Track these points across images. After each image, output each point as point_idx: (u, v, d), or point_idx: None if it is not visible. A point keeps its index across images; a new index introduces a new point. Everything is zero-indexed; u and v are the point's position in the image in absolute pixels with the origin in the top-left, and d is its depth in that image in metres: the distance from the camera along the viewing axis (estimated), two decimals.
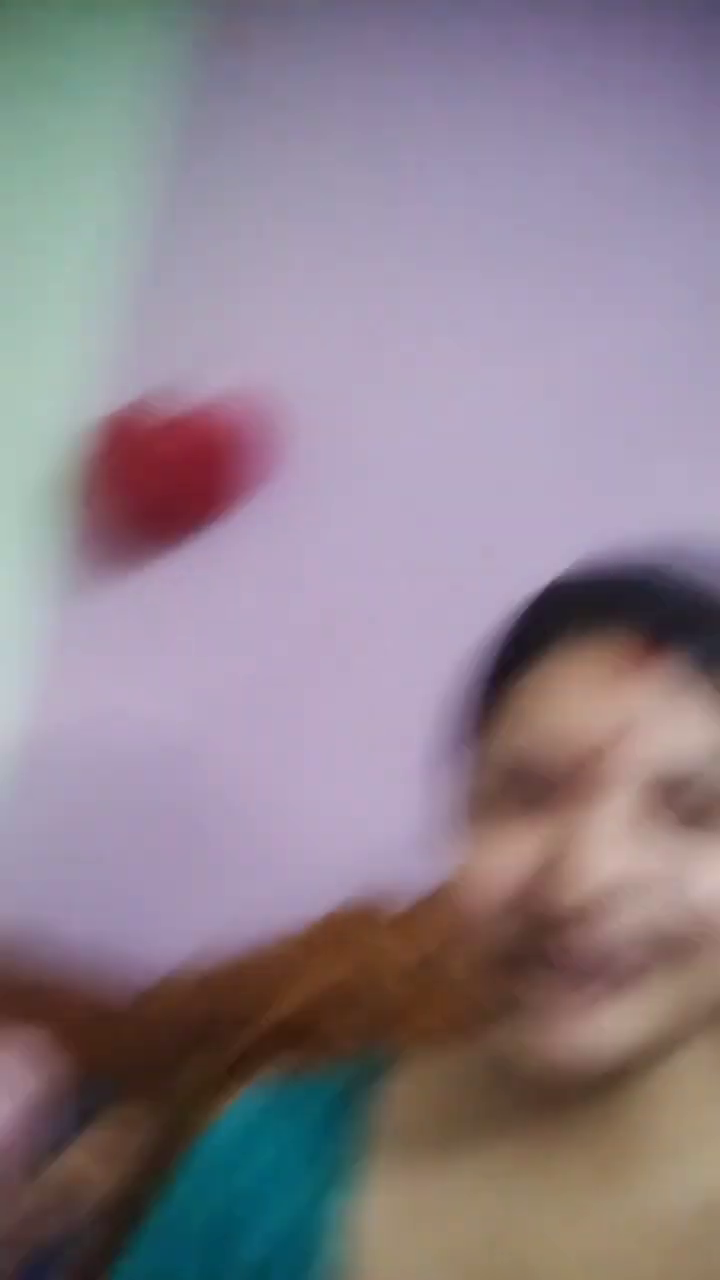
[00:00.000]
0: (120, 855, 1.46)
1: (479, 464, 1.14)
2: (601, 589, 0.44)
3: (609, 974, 0.37)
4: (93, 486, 1.34)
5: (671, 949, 0.37)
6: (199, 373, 1.21)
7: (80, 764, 1.59)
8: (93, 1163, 1.09)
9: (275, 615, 1.27)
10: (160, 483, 1.27)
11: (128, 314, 1.30)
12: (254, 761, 1.29)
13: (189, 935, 1.23)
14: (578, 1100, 0.42)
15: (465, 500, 1.13)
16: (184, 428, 1.21)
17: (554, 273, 1.14)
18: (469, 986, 0.43)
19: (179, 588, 1.38)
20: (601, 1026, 0.37)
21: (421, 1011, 0.99)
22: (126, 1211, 1.02)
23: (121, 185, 1.28)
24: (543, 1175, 0.43)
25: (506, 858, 0.40)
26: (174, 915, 1.32)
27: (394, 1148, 0.47)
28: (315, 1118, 0.50)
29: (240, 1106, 0.52)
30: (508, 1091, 0.44)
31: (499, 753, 0.42)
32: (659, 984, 0.37)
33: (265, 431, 1.19)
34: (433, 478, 1.16)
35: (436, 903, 0.96)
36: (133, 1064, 1.25)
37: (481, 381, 1.15)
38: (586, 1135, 0.43)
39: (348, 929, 1.12)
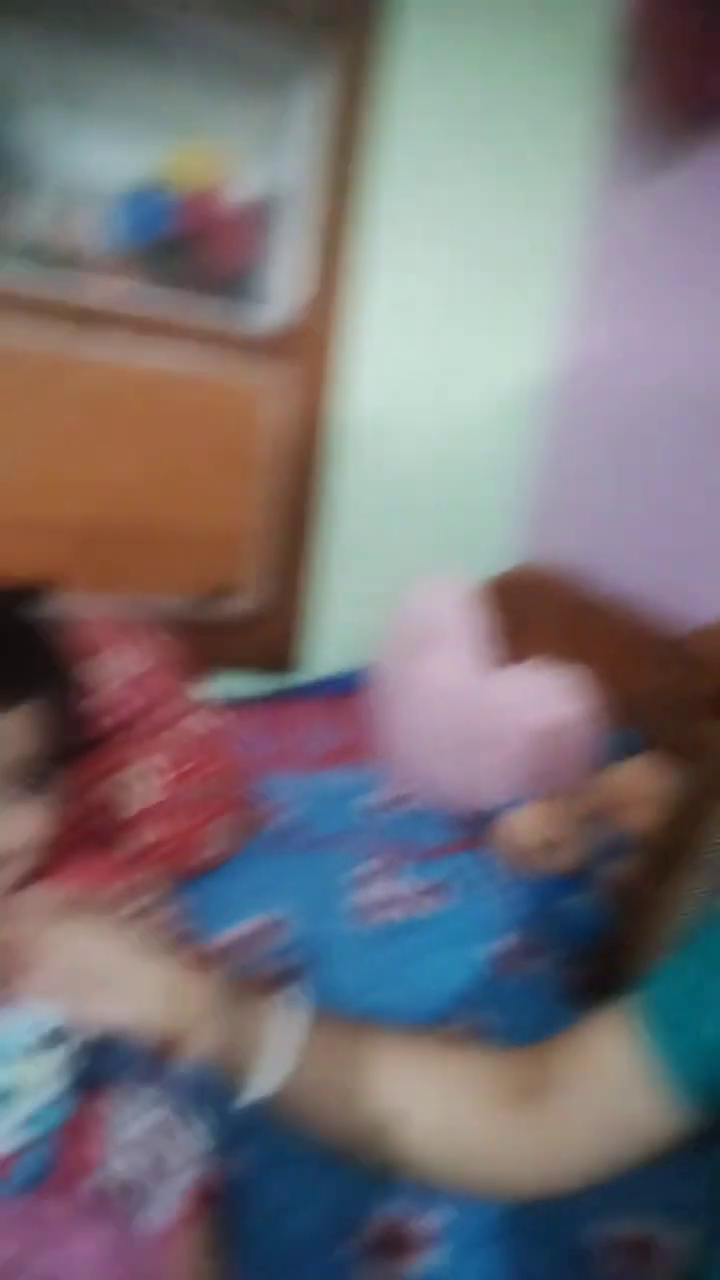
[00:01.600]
0: (651, 501, 1.54)
1: None
2: None
3: None
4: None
5: None
6: None
7: (607, 405, 1.66)
8: (626, 794, 1.17)
9: None
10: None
11: None
12: None
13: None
14: None
15: None
16: None
17: None
18: None
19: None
20: None
21: None
22: (656, 856, 1.11)
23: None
24: None
25: None
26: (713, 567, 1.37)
27: None
28: None
29: None
30: None
31: None
32: None
33: None
34: None
35: None
36: (666, 709, 1.33)
37: None
38: None
39: None
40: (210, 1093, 0.72)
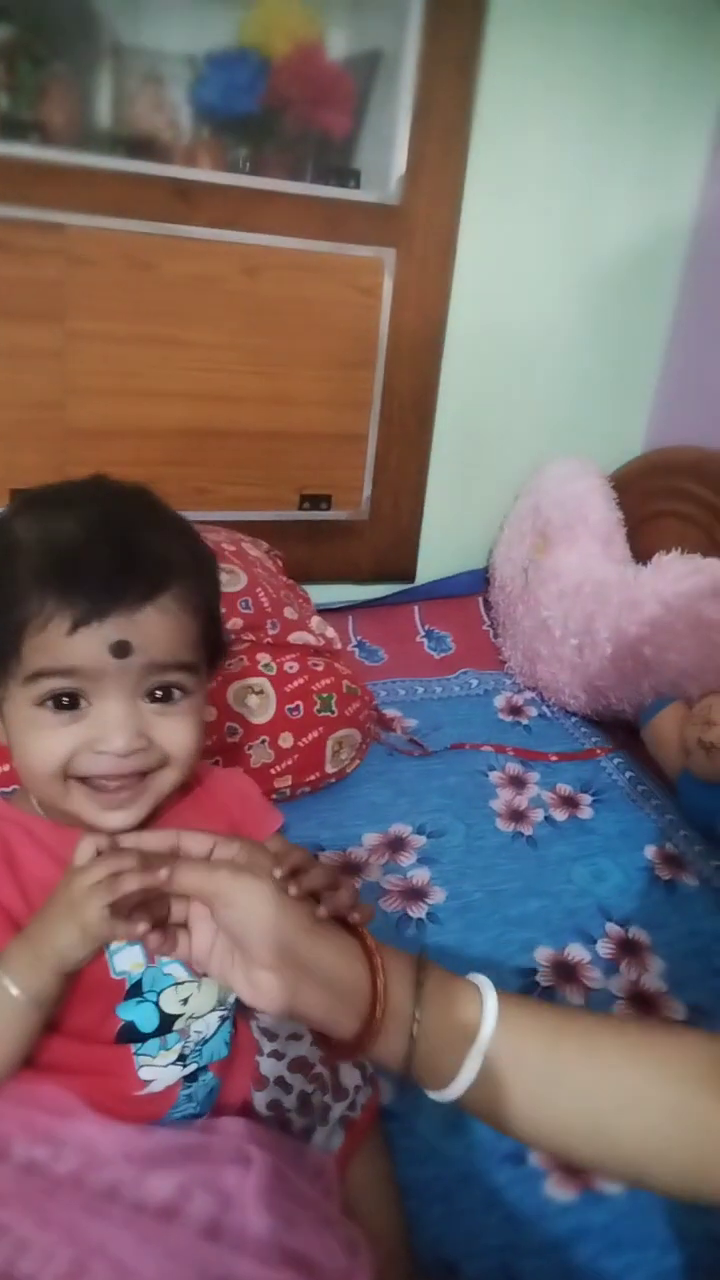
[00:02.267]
0: None
1: None
2: None
3: None
4: None
5: None
6: None
7: None
8: None
9: None
10: None
11: None
12: None
13: None
14: None
15: None
16: None
17: None
18: None
19: None
20: None
21: None
22: None
23: None
24: None
25: None
26: None
27: None
28: None
29: None
30: None
31: None
32: None
33: None
34: None
35: None
36: None
37: None
38: None
39: None
40: None
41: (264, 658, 1.22)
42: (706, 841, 1.21)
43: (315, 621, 1.32)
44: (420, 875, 1.12)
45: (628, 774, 1.36)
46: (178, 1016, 0.64)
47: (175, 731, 0.59)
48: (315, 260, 1.43)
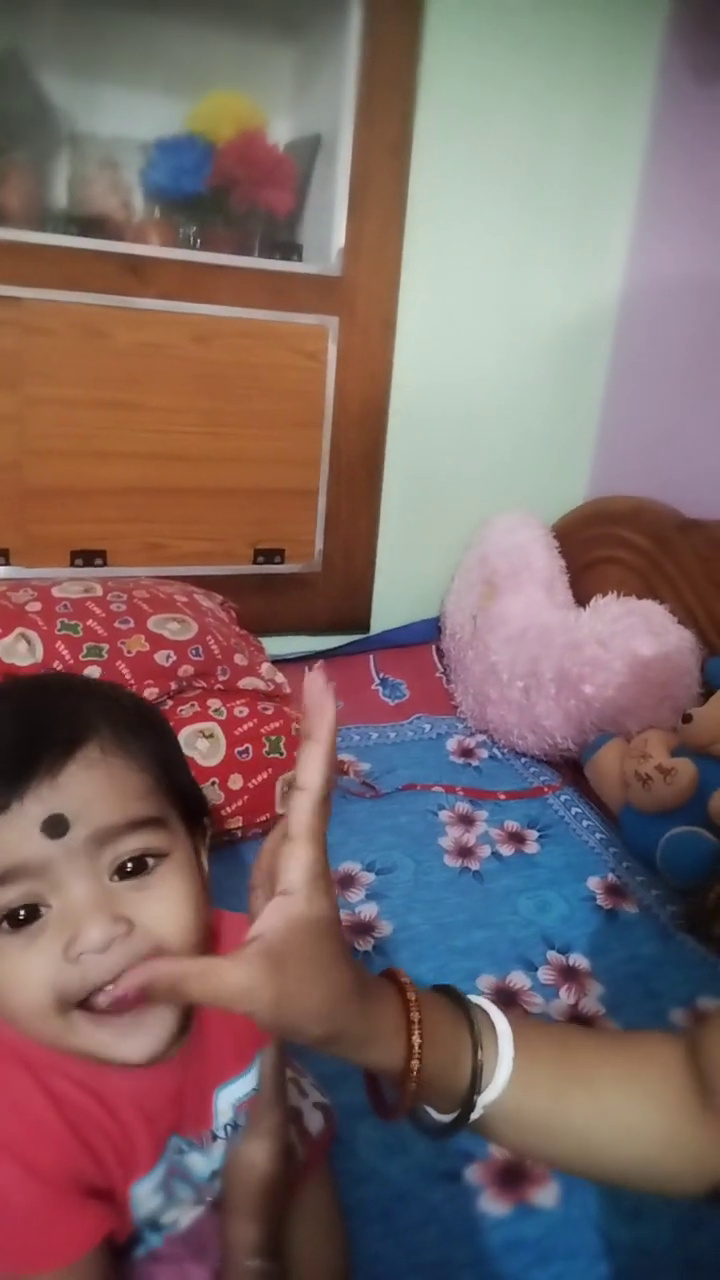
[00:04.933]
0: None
1: None
2: None
3: None
4: None
5: None
6: None
7: (670, 332, 1.61)
8: None
9: None
10: None
11: None
12: None
13: None
14: None
15: None
16: None
17: None
18: None
19: None
20: None
21: None
22: None
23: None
24: None
25: None
26: None
27: None
28: None
29: None
30: None
31: None
32: None
33: None
34: None
35: None
36: None
37: None
38: None
39: None
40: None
41: (214, 703, 1.26)
42: (648, 871, 1.24)
43: (266, 668, 1.37)
44: (368, 910, 1.14)
45: (574, 810, 1.40)
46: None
47: (161, 908, 0.49)
48: (262, 328, 1.51)
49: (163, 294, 1.44)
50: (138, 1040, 0.49)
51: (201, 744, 1.21)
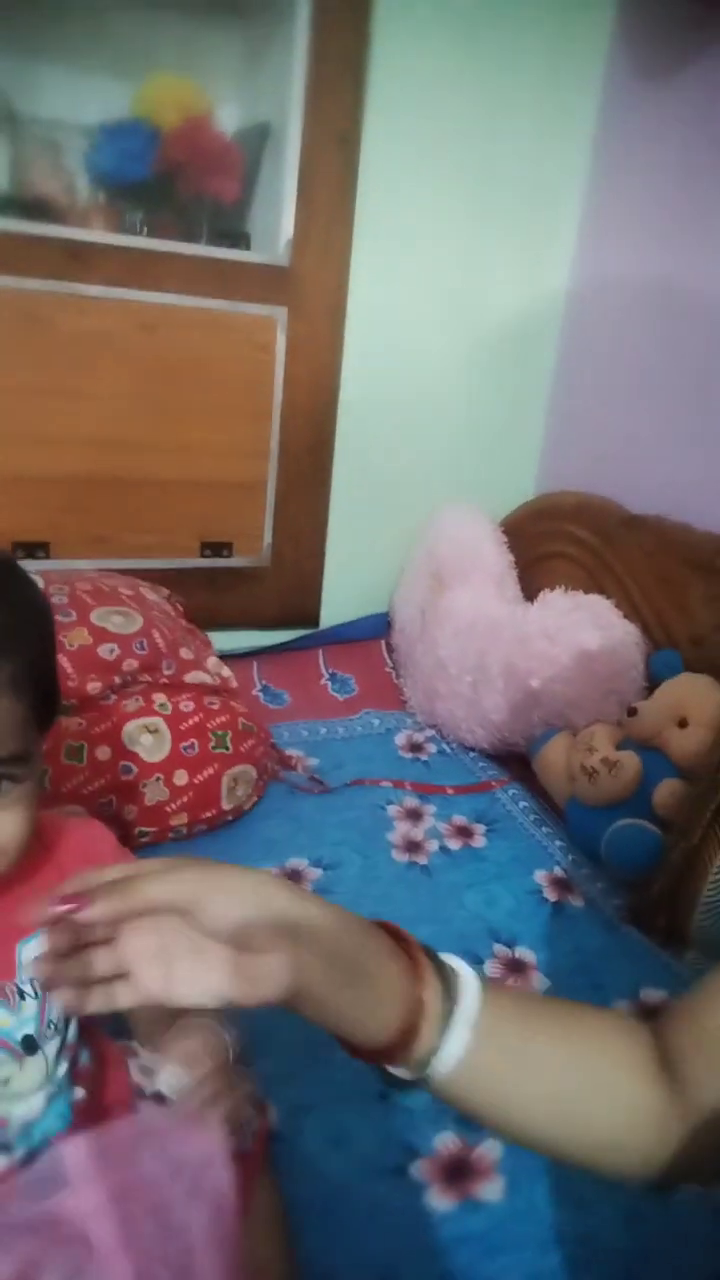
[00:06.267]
0: (669, 425, 1.50)
1: None
2: None
3: None
4: None
5: None
6: None
7: (617, 328, 1.61)
8: (671, 716, 1.22)
9: None
10: None
11: None
12: None
13: None
14: None
15: None
16: None
17: None
18: None
19: None
20: None
21: None
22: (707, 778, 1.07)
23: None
24: None
25: None
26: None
27: None
28: None
29: None
30: None
31: None
32: None
33: None
34: None
35: None
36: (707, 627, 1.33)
37: None
38: None
39: None
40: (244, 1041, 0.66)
41: (159, 697, 1.24)
42: (593, 864, 1.25)
43: (212, 662, 1.35)
44: None
45: (521, 804, 1.40)
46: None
47: (5, 825, 0.58)
48: (210, 318, 1.49)
49: (107, 281, 1.41)
50: None
51: (146, 739, 1.19)
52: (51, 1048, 0.64)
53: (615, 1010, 0.58)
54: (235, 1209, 0.64)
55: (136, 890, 0.45)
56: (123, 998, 0.48)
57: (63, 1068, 0.65)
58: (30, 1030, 0.62)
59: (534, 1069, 0.51)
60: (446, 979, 0.50)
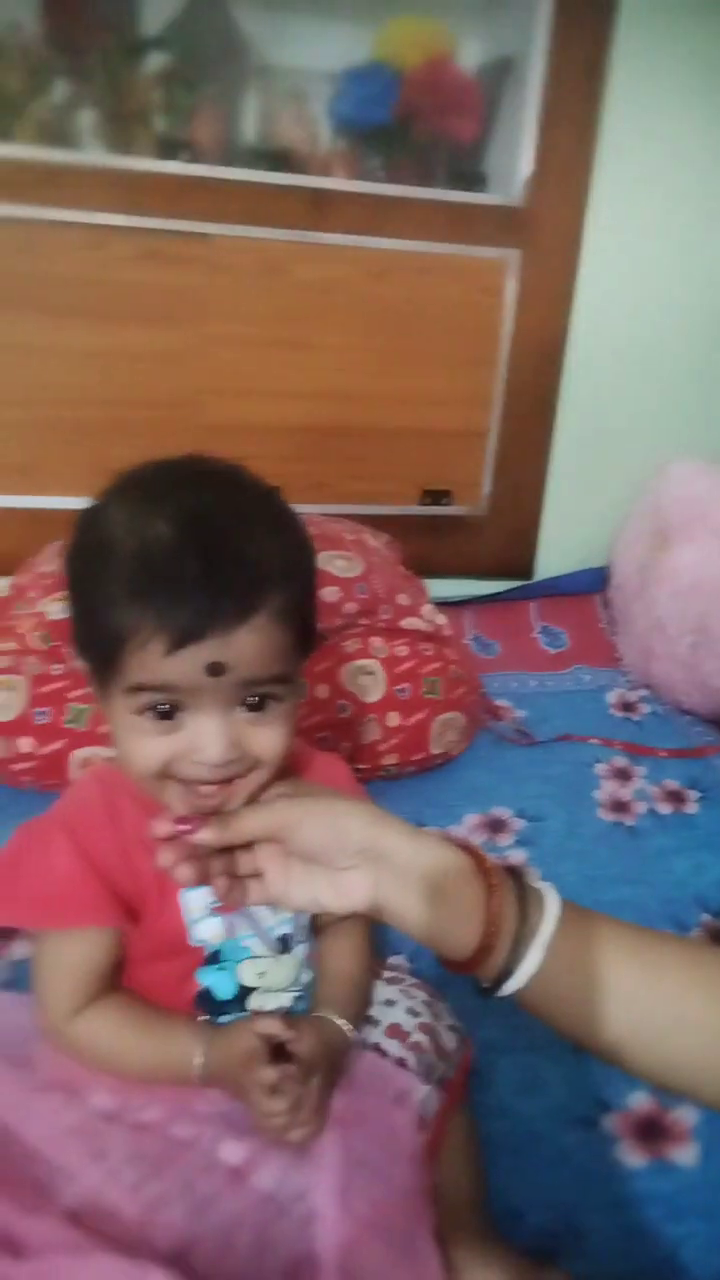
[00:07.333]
0: None
1: None
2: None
3: None
4: None
5: None
6: None
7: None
8: None
9: None
10: None
11: None
12: None
13: None
14: None
15: None
16: None
17: None
18: None
19: None
20: None
21: None
22: None
23: None
24: None
25: None
26: None
27: None
28: None
29: None
30: None
31: None
32: None
33: None
34: None
35: None
36: None
37: None
38: None
39: None
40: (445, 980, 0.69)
41: (376, 641, 1.28)
42: None
43: (427, 609, 1.37)
44: (517, 856, 1.15)
45: None
46: (253, 990, 0.68)
47: (267, 738, 0.61)
48: (440, 262, 1.48)
49: (343, 228, 1.43)
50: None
51: (363, 680, 1.23)
52: (301, 951, 0.70)
53: None
54: (433, 1129, 0.68)
55: (239, 820, 0.56)
56: (254, 895, 0.58)
57: (308, 975, 0.71)
58: (287, 929, 0.69)
59: (612, 992, 0.53)
60: (527, 902, 0.54)
